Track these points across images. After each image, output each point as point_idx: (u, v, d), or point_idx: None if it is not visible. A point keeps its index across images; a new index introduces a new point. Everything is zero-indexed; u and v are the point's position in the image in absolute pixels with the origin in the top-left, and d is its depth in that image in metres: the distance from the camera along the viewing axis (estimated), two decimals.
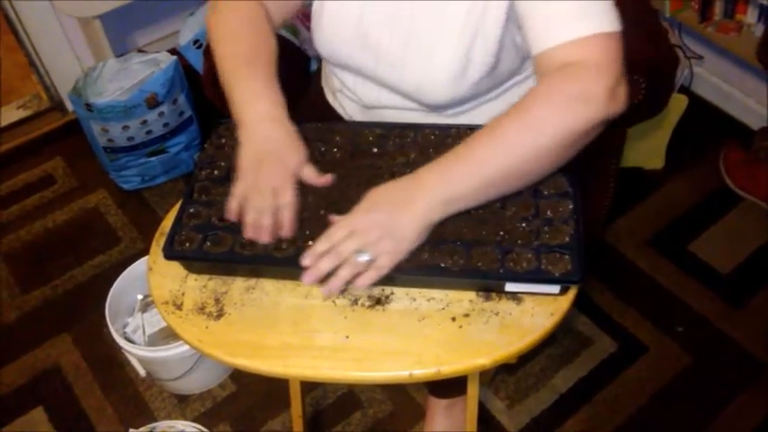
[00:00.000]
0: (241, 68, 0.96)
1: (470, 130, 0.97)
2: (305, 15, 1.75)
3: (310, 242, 0.86)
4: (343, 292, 0.87)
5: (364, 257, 0.82)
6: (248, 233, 0.88)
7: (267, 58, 0.98)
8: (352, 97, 1.11)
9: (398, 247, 0.83)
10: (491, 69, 0.96)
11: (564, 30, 0.84)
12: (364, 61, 1.01)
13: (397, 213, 0.83)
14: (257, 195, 0.88)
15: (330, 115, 1.19)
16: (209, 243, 0.89)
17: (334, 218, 0.86)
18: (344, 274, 0.82)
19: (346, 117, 1.16)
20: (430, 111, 1.03)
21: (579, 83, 0.82)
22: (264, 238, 0.87)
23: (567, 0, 0.84)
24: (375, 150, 0.98)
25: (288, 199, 0.88)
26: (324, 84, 1.22)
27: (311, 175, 0.92)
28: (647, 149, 1.94)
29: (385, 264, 0.83)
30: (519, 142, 0.82)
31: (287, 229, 0.88)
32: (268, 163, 0.89)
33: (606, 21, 0.84)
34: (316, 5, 1.04)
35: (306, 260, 0.83)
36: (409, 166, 0.94)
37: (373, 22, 0.97)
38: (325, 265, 0.82)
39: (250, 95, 0.94)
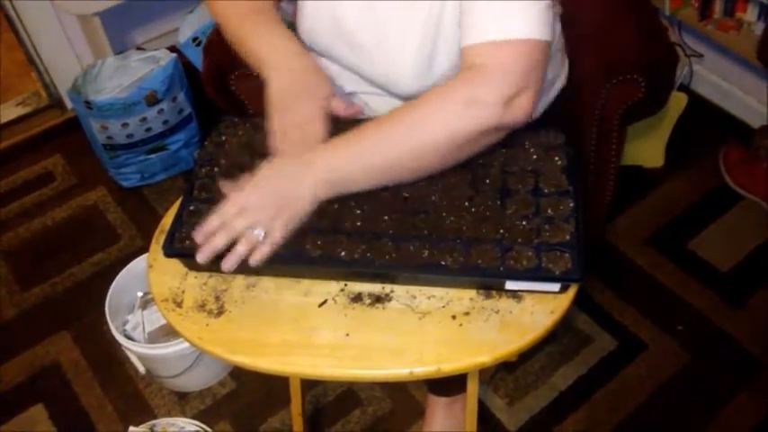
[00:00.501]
0: (248, 22, 0.99)
1: None
2: None
3: (305, 238, 0.87)
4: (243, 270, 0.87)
5: (257, 233, 0.84)
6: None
7: (270, 10, 1.01)
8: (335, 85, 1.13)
9: (290, 220, 0.86)
10: (456, 65, 0.96)
11: (477, 30, 0.84)
12: (341, 52, 1.03)
13: (286, 188, 0.86)
14: (295, 130, 0.91)
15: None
16: None
17: (229, 190, 0.87)
18: (241, 249, 0.84)
19: None
20: (405, 101, 1.04)
21: (473, 86, 0.83)
22: None
23: (492, 1, 0.84)
24: None
25: (317, 128, 0.91)
26: None
27: (340, 106, 0.94)
28: (647, 148, 1.94)
29: (277, 236, 0.85)
30: (404, 136, 0.85)
31: None
32: (298, 98, 0.92)
33: (524, 27, 0.84)
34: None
35: (198, 237, 0.85)
36: None
37: (348, 16, 0.99)
38: (218, 242, 0.84)
39: (266, 38, 0.96)
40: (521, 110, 0.84)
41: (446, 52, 0.95)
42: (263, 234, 0.84)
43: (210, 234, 0.85)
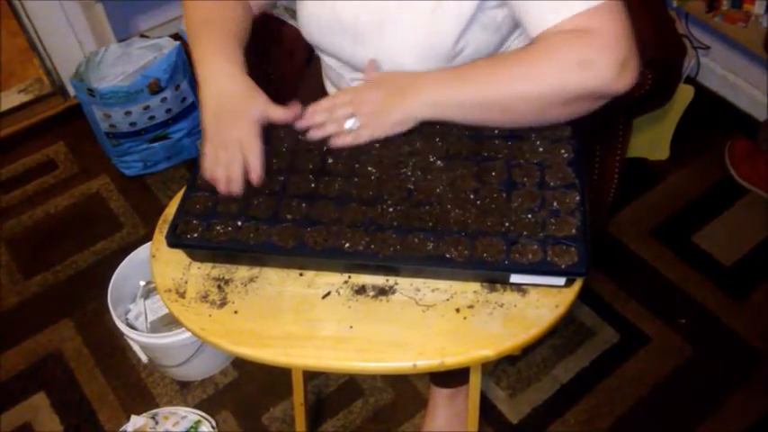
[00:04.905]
0: (198, 30, 0.99)
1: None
2: None
3: (309, 229, 0.87)
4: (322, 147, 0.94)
5: (350, 123, 0.92)
6: (221, 188, 0.91)
7: (226, 20, 1.00)
8: (336, 78, 1.12)
9: (382, 125, 0.92)
10: (469, 49, 0.96)
11: (573, 3, 0.82)
12: (343, 46, 1.02)
13: (392, 98, 0.91)
14: (224, 150, 0.91)
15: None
16: (212, 231, 0.89)
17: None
18: (328, 128, 0.93)
19: None
20: None
21: (588, 49, 0.81)
22: (236, 188, 0.91)
23: None
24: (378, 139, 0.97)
25: (253, 148, 0.91)
26: (322, 69, 1.21)
27: (280, 113, 0.94)
28: (653, 140, 1.93)
29: (364, 134, 0.92)
30: (514, 82, 0.86)
31: (254, 176, 0.91)
32: (228, 117, 0.92)
33: None
34: None
35: (308, 110, 0.94)
36: (414, 156, 0.93)
37: (348, 7, 0.98)
38: (318, 118, 0.93)
39: (204, 54, 0.96)
40: (631, 77, 0.83)
41: (451, 32, 0.93)
42: (355, 125, 0.91)
43: (318, 111, 0.93)
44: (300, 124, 0.93)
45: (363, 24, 0.98)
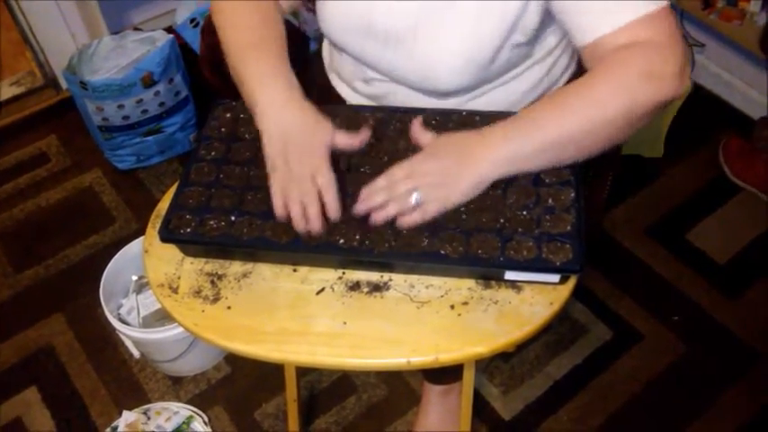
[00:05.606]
0: (248, 53, 0.92)
1: (473, 115, 0.96)
2: None
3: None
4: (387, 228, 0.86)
5: (414, 198, 0.84)
6: (298, 226, 0.86)
7: (275, 41, 0.94)
8: (349, 76, 1.09)
9: (450, 197, 0.85)
10: (497, 60, 0.93)
11: (625, 11, 0.81)
12: (370, 50, 0.97)
13: (459, 165, 0.85)
14: (296, 185, 0.86)
15: (331, 97, 1.16)
16: (205, 226, 0.88)
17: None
18: (390, 209, 0.85)
19: (351, 99, 1.14)
20: (434, 97, 1.01)
21: (651, 60, 0.81)
22: (316, 226, 0.85)
23: None
24: (376, 135, 0.97)
25: (326, 179, 0.86)
26: (327, 66, 1.19)
27: (345, 140, 0.90)
28: (647, 137, 1.93)
29: (432, 209, 0.85)
30: (583, 113, 0.82)
31: (333, 211, 0.86)
32: (296, 149, 0.87)
33: None
34: None
35: (363, 192, 0.86)
36: (409, 152, 0.93)
37: (379, 8, 0.93)
38: (378, 199, 0.85)
39: (260, 78, 0.90)
40: (687, 79, 0.83)
41: (495, 38, 0.90)
42: (419, 200, 0.84)
43: (376, 192, 0.86)
44: (359, 210, 0.85)
45: (396, 28, 0.93)
